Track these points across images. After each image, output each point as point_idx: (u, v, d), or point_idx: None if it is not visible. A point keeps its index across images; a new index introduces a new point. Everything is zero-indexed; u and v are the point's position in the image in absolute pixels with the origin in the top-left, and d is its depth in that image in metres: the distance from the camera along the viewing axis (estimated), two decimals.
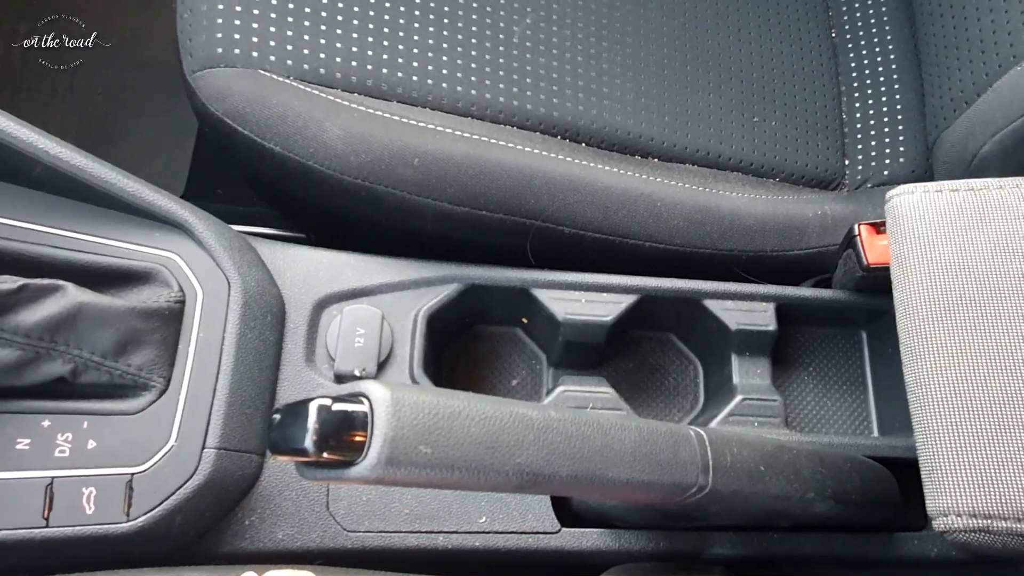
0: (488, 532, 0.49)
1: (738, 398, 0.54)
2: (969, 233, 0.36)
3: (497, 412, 0.31)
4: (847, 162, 0.72)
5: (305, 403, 0.28)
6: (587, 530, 0.49)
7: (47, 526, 0.41)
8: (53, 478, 0.41)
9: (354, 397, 0.28)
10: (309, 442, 0.27)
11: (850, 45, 0.76)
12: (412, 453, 0.28)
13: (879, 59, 0.74)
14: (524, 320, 0.59)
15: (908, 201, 0.38)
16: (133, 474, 0.42)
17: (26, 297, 0.41)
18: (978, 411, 0.33)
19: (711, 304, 0.56)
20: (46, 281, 0.41)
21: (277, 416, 0.29)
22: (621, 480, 0.33)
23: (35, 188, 0.45)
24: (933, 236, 0.36)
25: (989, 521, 0.31)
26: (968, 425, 0.33)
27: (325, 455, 0.28)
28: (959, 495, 0.32)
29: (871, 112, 0.73)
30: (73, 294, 0.42)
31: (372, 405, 0.28)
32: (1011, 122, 0.48)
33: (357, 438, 0.28)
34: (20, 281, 0.41)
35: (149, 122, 0.98)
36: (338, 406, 0.28)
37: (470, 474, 0.30)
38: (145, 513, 0.42)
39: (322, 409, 0.28)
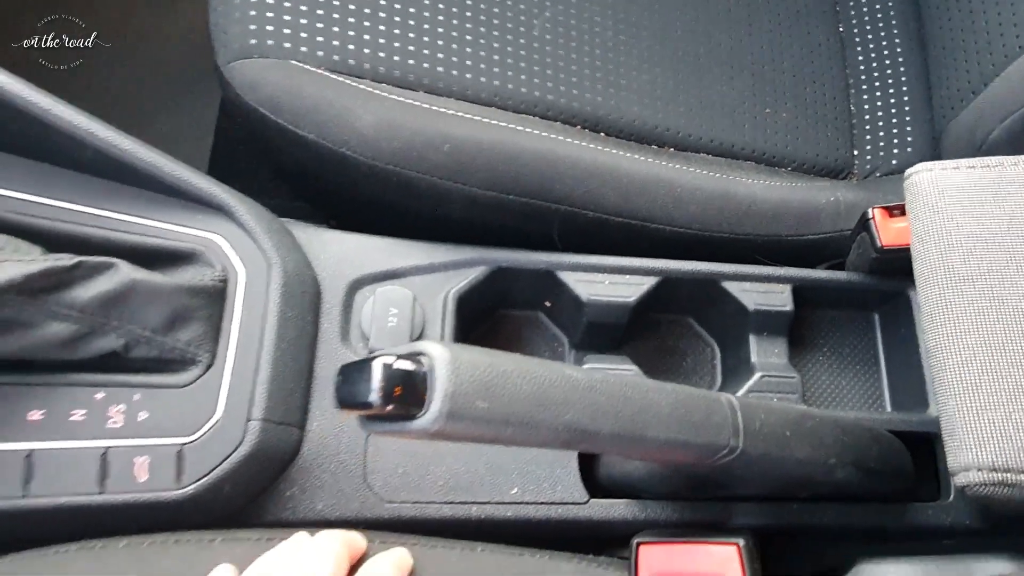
0: (519, 503, 0.50)
1: (757, 375, 0.56)
2: (986, 206, 0.38)
3: (546, 372, 0.32)
4: (856, 152, 0.74)
5: (369, 360, 0.30)
6: (615, 500, 0.51)
7: (102, 493, 0.42)
8: (107, 448, 0.43)
9: (415, 355, 0.30)
10: (375, 396, 0.29)
11: (857, 39, 0.78)
12: (470, 408, 0.30)
13: (886, 52, 0.76)
14: (547, 304, 0.61)
15: (927, 178, 0.40)
16: (183, 444, 0.44)
17: (81, 274, 0.42)
18: (996, 374, 0.35)
19: (730, 286, 0.58)
20: (100, 259, 0.43)
21: (341, 376, 0.31)
22: (660, 440, 0.35)
23: (85, 172, 0.47)
24: (952, 210, 0.38)
25: (1008, 474, 0.33)
26: (987, 387, 0.35)
27: (389, 408, 0.29)
28: (979, 451, 0.34)
29: (879, 104, 0.75)
30: (125, 271, 0.44)
31: (432, 363, 0.30)
32: (1020, 107, 0.50)
33: (419, 393, 0.30)
34: (76, 258, 0.42)
35: (164, 120, 1.00)
36: (400, 363, 0.30)
37: (522, 429, 0.31)
38: (196, 481, 0.44)
39: (386, 366, 0.30)
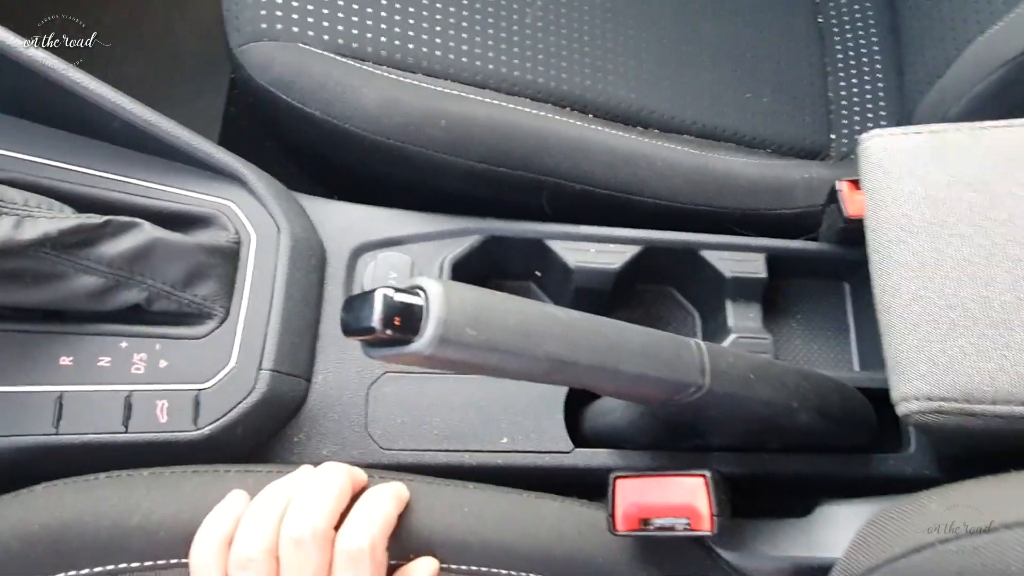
0: (509, 451, 0.54)
1: (732, 336, 0.60)
2: (928, 167, 0.42)
3: (530, 307, 0.36)
4: (832, 135, 0.78)
5: (372, 292, 0.34)
6: (598, 450, 0.55)
7: (127, 432, 0.46)
8: (131, 391, 0.47)
9: (413, 289, 0.34)
10: (376, 321, 0.33)
11: (835, 29, 0.82)
12: (460, 334, 0.34)
13: (862, 41, 0.81)
14: (537, 273, 0.65)
15: (878, 143, 0.44)
16: (200, 390, 0.48)
17: (109, 231, 0.46)
18: (933, 316, 0.39)
19: (708, 254, 0.62)
20: (126, 218, 0.47)
21: (347, 306, 0.35)
22: (632, 373, 0.39)
23: (113, 142, 0.51)
24: (898, 170, 0.42)
25: (942, 403, 0.37)
26: (924, 327, 0.39)
27: (388, 333, 0.33)
28: (918, 383, 0.38)
29: (855, 90, 0.79)
30: (149, 231, 0.48)
31: (427, 294, 0.34)
32: (975, 85, 0.54)
33: (415, 321, 0.34)
34: (104, 217, 0.46)
35: (172, 108, 1.04)
36: (400, 296, 0.34)
37: (507, 357, 0.35)
38: (211, 423, 0.48)
39: (387, 297, 0.34)
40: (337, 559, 0.39)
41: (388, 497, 0.44)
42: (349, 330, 0.35)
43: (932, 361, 0.38)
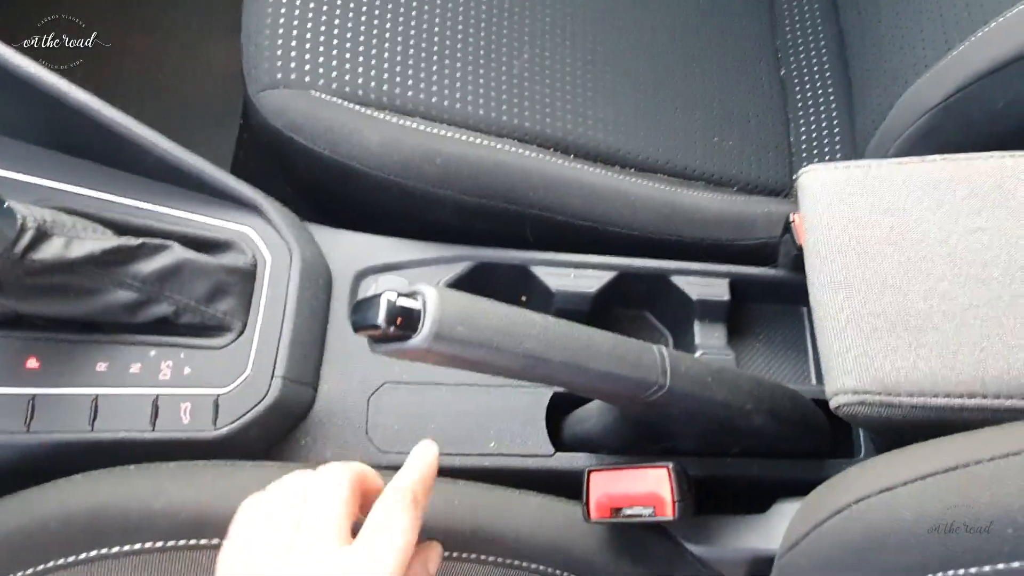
0: (496, 455, 0.60)
1: (699, 353, 0.66)
2: (855, 197, 0.49)
3: (511, 311, 0.43)
4: (793, 176, 0.85)
5: (378, 295, 0.40)
6: (576, 454, 0.60)
7: (154, 431, 0.52)
8: (158, 395, 0.53)
9: (413, 294, 0.41)
10: (381, 319, 0.39)
11: (795, 79, 0.90)
12: (451, 331, 0.40)
13: (819, 90, 0.89)
14: (523, 298, 0.72)
15: (813, 176, 0.51)
16: (219, 394, 0.54)
17: (144, 252, 0.53)
18: (856, 322, 0.45)
19: (677, 279, 0.68)
20: (158, 241, 0.54)
21: (356, 307, 0.41)
22: (599, 371, 0.45)
23: (147, 176, 0.57)
24: (829, 199, 0.49)
25: (866, 395, 0.43)
26: (850, 332, 0.45)
27: (391, 330, 0.39)
28: (845, 379, 0.44)
29: (813, 134, 0.87)
30: (178, 252, 0.54)
31: (425, 298, 0.40)
32: (906, 128, 0.61)
33: (414, 321, 0.40)
34: (140, 240, 0.53)
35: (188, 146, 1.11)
36: (401, 299, 0.40)
37: (491, 352, 0.41)
38: (228, 424, 0.53)
39: (390, 301, 0.40)
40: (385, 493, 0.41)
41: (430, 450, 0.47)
42: (358, 327, 0.41)
43: (856, 360, 0.44)
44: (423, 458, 0.45)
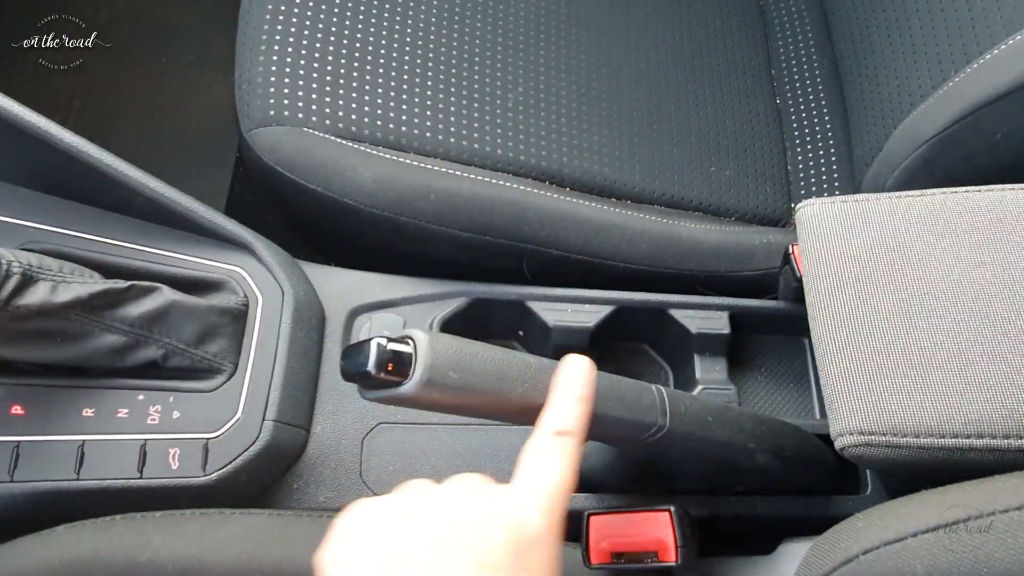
0: None
1: (699, 387, 0.65)
2: (855, 231, 0.48)
3: (504, 355, 0.42)
4: (792, 204, 0.85)
5: (368, 340, 0.39)
6: (576, 494, 0.59)
7: (141, 477, 0.51)
8: (146, 440, 0.52)
9: (403, 339, 0.40)
10: (371, 366, 0.38)
11: (791, 109, 0.90)
12: (444, 377, 0.39)
13: (816, 120, 0.89)
14: (520, 333, 0.71)
15: (812, 210, 0.51)
16: (208, 439, 0.53)
17: (133, 295, 0.52)
18: (861, 361, 0.44)
19: (675, 313, 0.67)
20: (147, 283, 0.53)
21: (346, 354, 0.40)
22: (597, 413, 0.44)
23: (135, 216, 0.57)
24: (828, 233, 0.48)
25: (872, 436, 0.42)
26: (854, 371, 0.44)
27: (382, 376, 0.38)
28: (850, 420, 0.43)
29: (811, 163, 0.86)
30: (167, 294, 0.53)
31: (416, 343, 0.39)
32: (904, 159, 0.61)
33: (405, 366, 0.39)
34: (128, 283, 0.52)
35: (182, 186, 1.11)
36: (392, 344, 0.39)
37: (485, 397, 0.40)
38: (218, 470, 0.52)
39: (380, 346, 0.39)
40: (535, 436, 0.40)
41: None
42: (348, 375, 0.40)
43: (861, 401, 0.43)
44: (573, 385, 0.41)
